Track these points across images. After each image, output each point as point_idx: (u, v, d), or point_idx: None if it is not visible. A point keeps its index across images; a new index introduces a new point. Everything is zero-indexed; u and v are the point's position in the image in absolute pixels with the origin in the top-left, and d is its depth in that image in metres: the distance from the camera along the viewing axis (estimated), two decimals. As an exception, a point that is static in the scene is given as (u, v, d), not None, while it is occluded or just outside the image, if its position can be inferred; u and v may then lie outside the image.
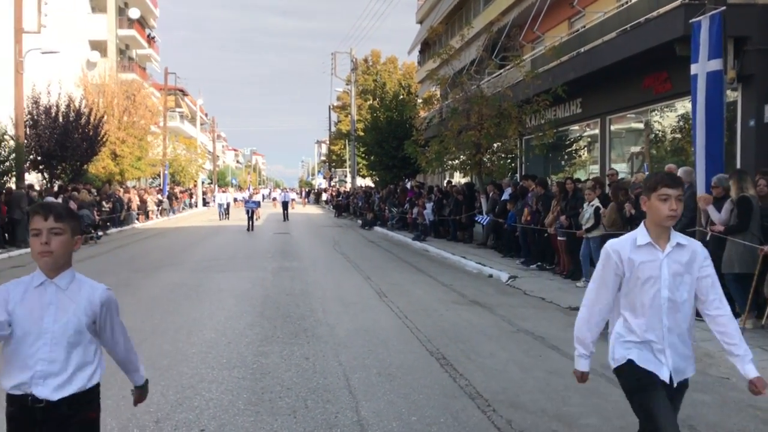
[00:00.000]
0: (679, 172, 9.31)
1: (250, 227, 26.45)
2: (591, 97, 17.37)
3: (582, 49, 16.43)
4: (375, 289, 11.50)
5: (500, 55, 20.35)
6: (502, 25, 22.16)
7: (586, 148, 19.58)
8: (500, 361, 6.81)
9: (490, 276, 13.24)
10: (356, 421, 5.00)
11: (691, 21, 8.79)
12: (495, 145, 18.31)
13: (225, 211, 36.87)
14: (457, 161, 19.52)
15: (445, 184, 24.00)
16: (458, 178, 26.57)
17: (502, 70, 19.91)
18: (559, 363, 6.76)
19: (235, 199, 50.93)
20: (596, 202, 11.12)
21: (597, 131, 17.75)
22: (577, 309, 9.25)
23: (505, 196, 16.22)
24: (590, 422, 5.10)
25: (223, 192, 42.29)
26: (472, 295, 10.97)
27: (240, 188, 72.06)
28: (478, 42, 21.74)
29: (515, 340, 7.78)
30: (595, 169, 18.44)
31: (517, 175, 21.63)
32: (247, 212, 27.41)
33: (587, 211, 11.18)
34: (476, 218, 18.02)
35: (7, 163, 21.47)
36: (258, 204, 29.08)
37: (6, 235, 19.10)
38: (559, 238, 12.53)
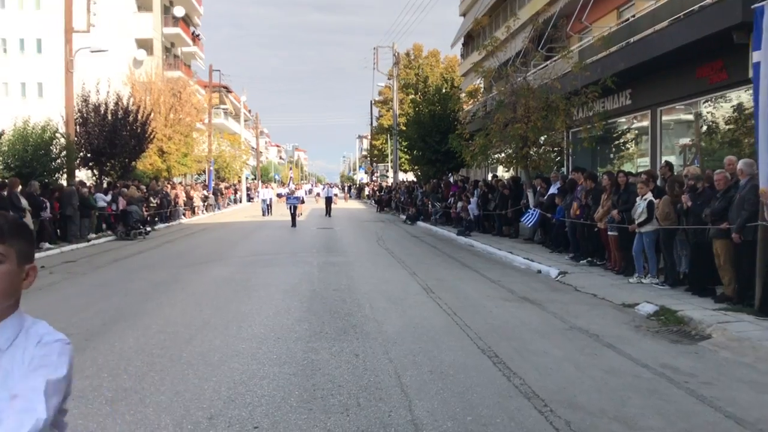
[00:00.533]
0: (740, 164, 8.95)
1: (293, 223, 26.17)
2: (641, 89, 16.93)
3: (632, 39, 16.02)
4: (421, 284, 11.39)
5: (546, 47, 19.97)
6: (548, 15, 21.76)
7: (634, 141, 19.11)
8: (554, 359, 6.63)
9: (539, 272, 13.00)
10: (410, 420, 4.91)
11: (753, 6, 8.40)
12: (541, 138, 17.98)
13: (268, 207, 36.72)
14: (502, 155, 19.24)
15: (489, 178, 23.72)
16: (501, 173, 26.23)
17: (548, 62, 19.54)
18: (616, 362, 6.56)
19: (279, 195, 51.18)
20: (649, 196, 10.79)
21: (647, 123, 17.29)
22: (630, 306, 9.10)
23: (553, 190, 15.91)
24: (652, 424, 4.91)
25: (266, 188, 42.04)
26: (522, 291, 10.76)
27: (283, 184, 72.62)
28: (524, 33, 21.39)
29: (568, 337, 7.58)
30: (643, 162, 17.98)
31: (564, 168, 21.26)
32: (290, 208, 27.06)
33: (640, 205, 10.86)
34: (522, 220, 17.66)
35: (59, 161, 21.94)
36: (300, 200, 28.70)
37: (58, 231, 19.55)
38: (609, 233, 12.21)
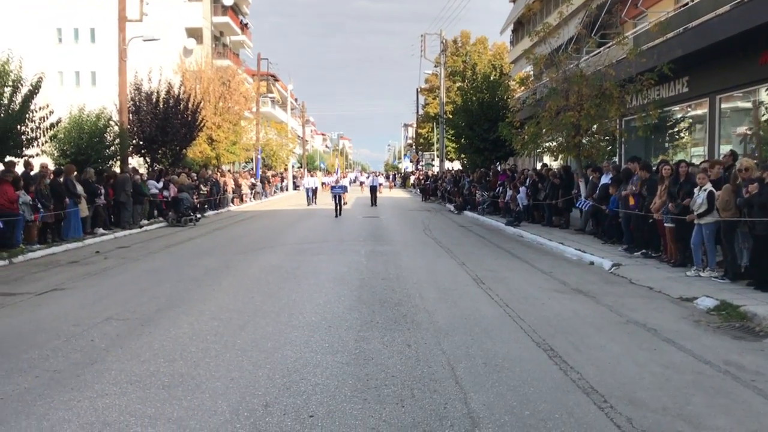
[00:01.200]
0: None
1: (338, 212, 25.42)
2: (699, 76, 16.40)
3: (691, 24, 15.49)
4: (471, 275, 11.25)
5: (600, 33, 19.48)
6: (602, 1, 21.19)
7: (688, 130, 18.54)
8: (612, 354, 6.46)
9: (592, 263, 12.72)
10: (466, 414, 4.83)
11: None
12: (594, 126, 17.56)
13: (313, 196, 35.96)
14: (553, 143, 18.86)
15: (539, 167, 23.34)
16: (549, 161, 25.77)
17: (602, 48, 19.04)
18: (676, 357, 6.35)
19: (323, 183, 51.36)
20: (709, 186, 10.42)
21: (704, 111, 16.75)
22: (689, 299, 8.80)
23: (606, 180, 15.53)
24: (719, 424, 4.73)
25: (311, 176, 41.40)
26: (575, 283, 10.54)
27: (328, 172, 72.89)
28: (577, 19, 20.93)
29: (626, 331, 7.38)
30: (697, 151, 17.44)
31: (616, 157, 20.78)
32: (334, 197, 25.97)
33: (699, 196, 10.49)
34: (577, 204, 17.33)
35: (112, 148, 22.39)
36: (345, 189, 27.68)
37: (112, 217, 19.99)
38: (666, 224, 11.85)
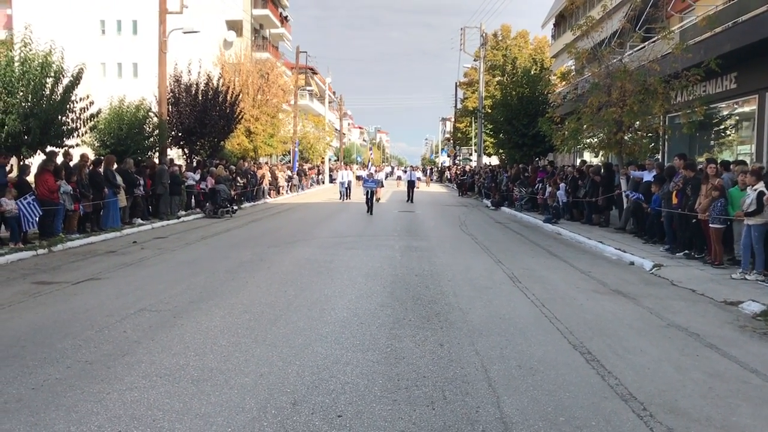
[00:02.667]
0: None
1: (370, 210, 23.59)
2: (749, 71, 15.84)
3: (741, 19, 14.96)
4: (507, 273, 11.04)
5: (645, 27, 18.97)
6: (648, -6, 20.65)
7: (735, 127, 17.95)
8: (652, 359, 6.22)
9: (632, 263, 12.39)
10: (499, 418, 4.67)
11: None
12: (636, 122, 17.11)
13: (347, 190, 33.84)
14: (594, 139, 18.44)
15: (578, 164, 22.89)
16: (589, 158, 25.25)
17: (647, 43, 18.54)
18: (720, 365, 6.09)
19: (358, 177, 51.21)
20: (761, 186, 10.03)
21: (752, 108, 16.18)
22: (733, 303, 8.47)
23: (648, 177, 15.12)
24: (766, 438, 4.49)
25: (346, 169, 38.07)
26: (614, 283, 10.26)
27: (364, 165, 72.97)
28: (621, 13, 20.43)
29: (666, 335, 7.12)
30: (744, 149, 16.87)
31: (659, 155, 20.25)
32: (366, 193, 24.14)
33: (749, 196, 10.11)
34: (628, 194, 16.66)
35: (151, 139, 22.62)
36: (379, 183, 25.86)
37: (150, 207, 20.22)
38: (711, 225, 11.46)
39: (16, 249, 12.70)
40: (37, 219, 13.54)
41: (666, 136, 19.49)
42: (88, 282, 9.94)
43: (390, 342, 6.59)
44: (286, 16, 60.71)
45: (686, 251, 12.63)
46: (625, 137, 17.03)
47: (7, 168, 14.18)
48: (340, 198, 33.41)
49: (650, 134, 18.20)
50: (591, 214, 18.88)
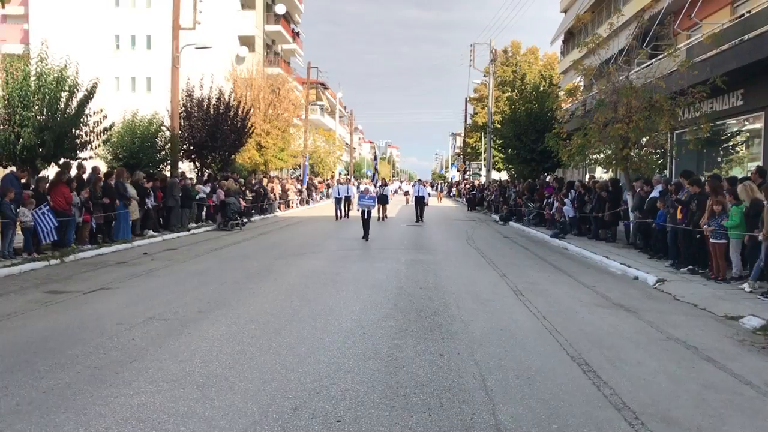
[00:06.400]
0: None
1: (365, 235, 19.06)
2: (755, 88, 15.94)
3: (746, 36, 15.08)
4: (511, 287, 11.16)
5: (652, 44, 19.12)
6: (655, 12, 20.81)
7: (744, 144, 18.01)
8: (649, 370, 6.32)
9: (636, 278, 12.47)
10: (493, 425, 4.80)
11: None
12: (643, 139, 17.22)
13: (345, 206, 29.34)
14: (601, 155, 18.56)
15: (586, 180, 22.98)
16: (599, 174, 25.36)
17: (653, 60, 18.68)
18: (715, 377, 6.18)
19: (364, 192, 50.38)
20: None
21: (760, 125, 16.26)
22: (734, 318, 8.55)
23: (655, 194, 15.21)
24: (756, 447, 4.59)
25: (342, 183, 32.38)
26: (617, 298, 10.35)
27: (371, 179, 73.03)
28: (628, 30, 20.57)
29: (665, 348, 7.21)
30: (753, 166, 16.91)
31: (666, 171, 20.32)
32: (362, 213, 19.43)
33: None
34: (625, 222, 16.74)
35: (163, 152, 22.96)
36: (385, 200, 21.98)
37: (161, 219, 20.49)
38: (713, 240, 11.54)
39: (30, 259, 12.96)
40: (53, 229, 13.79)
41: (673, 153, 19.57)
42: (98, 292, 10.15)
43: (391, 351, 6.73)
44: (298, 32, 61.34)
45: (690, 266, 12.69)
46: (632, 153, 17.13)
47: (24, 180, 14.48)
48: (337, 217, 28.80)
49: (657, 150, 18.30)
50: (598, 230, 18.96)
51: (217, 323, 7.86)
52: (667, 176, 19.29)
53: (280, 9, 52.86)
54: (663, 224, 14.05)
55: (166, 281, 11.27)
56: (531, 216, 25.30)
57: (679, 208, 13.15)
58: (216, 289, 10.33)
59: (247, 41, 49.31)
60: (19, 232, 13.67)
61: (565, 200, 20.79)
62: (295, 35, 59.46)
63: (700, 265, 12.55)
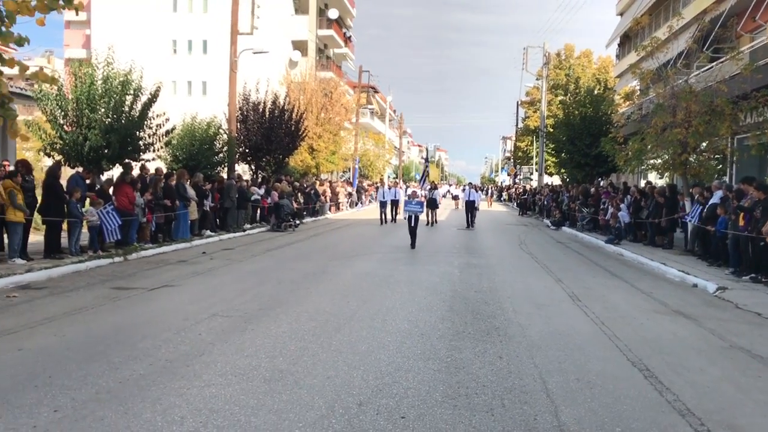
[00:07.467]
0: None
1: (413, 243, 17.71)
2: (822, 92, 15.45)
3: (814, 38, 14.68)
4: (567, 292, 11.10)
5: (713, 47, 18.72)
6: (716, 14, 20.36)
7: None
8: (712, 378, 6.25)
9: (695, 286, 12.24)
10: (556, 426, 4.84)
11: None
12: (702, 144, 16.88)
13: (392, 211, 28.82)
14: (658, 160, 18.24)
15: (643, 185, 22.59)
16: (654, 179, 24.88)
17: (714, 63, 18.30)
18: (784, 388, 6.07)
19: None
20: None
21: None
22: (800, 327, 8.31)
23: (715, 200, 14.88)
24: (827, 458, 4.52)
25: (390, 187, 31.75)
26: (675, 304, 10.20)
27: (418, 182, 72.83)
28: (688, 33, 20.20)
29: (728, 356, 7.10)
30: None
31: (726, 177, 19.84)
32: (408, 219, 17.87)
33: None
34: (685, 218, 16.40)
35: (221, 155, 23.50)
36: (423, 206, 19.49)
37: (217, 220, 20.99)
38: (778, 248, 11.26)
39: (95, 256, 13.46)
40: (117, 228, 14.30)
41: (734, 158, 19.11)
42: (162, 288, 10.51)
43: (450, 353, 6.81)
44: (350, 36, 61.88)
45: (753, 275, 12.40)
46: (690, 158, 16.81)
47: (88, 180, 15.05)
48: (382, 222, 27.91)
49: (717, 156, 17.91)
50: (654, 236, 18.63)
51: (278, 321, 8.07)
52: (727, 182, 18.83)
53: (333, 14, 53.46)
54: (724, 231, 13.75)
55: (226, 279, 11.59)
56: (585, 221, 24.98)
57: (742, 214, 12.84)
58: (274, 288, 10.57)
59: (300, 46, 50.00)
60: (85, 230, 14.24)
61: (621, 205, 20.47)
62: (347, 39, 60.00)
63: (763, 274, 12.24)
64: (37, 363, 6.09)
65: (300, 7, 50.79)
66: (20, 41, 8.32)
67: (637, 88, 23.05)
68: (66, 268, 12.13)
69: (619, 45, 44.93)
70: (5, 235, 12.65)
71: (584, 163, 28.71)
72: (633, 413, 5.17)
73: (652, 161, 18.64)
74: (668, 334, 8.09)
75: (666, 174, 19.46)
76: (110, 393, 5.29)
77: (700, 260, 15.16)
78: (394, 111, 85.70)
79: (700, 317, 9.24)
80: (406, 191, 28.40)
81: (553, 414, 5.08)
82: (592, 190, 26.15)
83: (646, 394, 5.68)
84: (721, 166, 19.53)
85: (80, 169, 15.48)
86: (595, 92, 30.22)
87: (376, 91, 71.59)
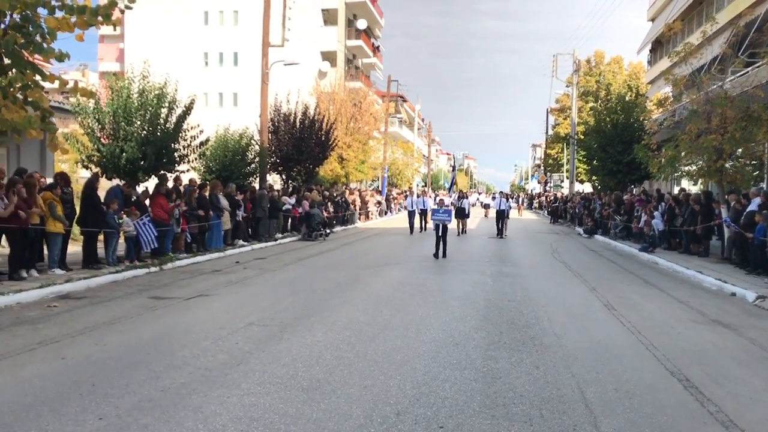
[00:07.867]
0: None
1: (437, 252, 17.31)
2: None
3: None
4: (602, 300, 11.00)
5: (748, 52, 18.42)
6: (751, 18, 20.04)
7: None
8: (754, 389, 6.14)
9: (733, 294, 12.03)
10: (596, 437, 4.81)
11: None
12: (738, 150, 16.60)
13: (421, 221, 28.69)
14: (693, 167, 17.97)
15: (676, 192, 22.28)
16: (687, 186, 24.50)
17: (750, 68, 18.00)
18: (829, 398, 5.94)
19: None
20: None
21: None
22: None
23: (753, 207, 14.62)
24: None
25: (419, 195, 31.45)
26: (713, 314, 10.04)
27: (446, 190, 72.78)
28: (722, 38, 19.92)
29: (770, 367, 6.98)
30: None
31: (763, 184, 19.46)
32: (437, 228, 17.40)
33: None
34: (728, 222, 16.07)
35: (253, 165, 23.75)
36: (451, 215, 18.73)
37: (250, 230, 21.20)
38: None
39: (132, 266, 13.69)
40: (153, 238, 14.53)
41: (771, 164, 18.75)
42: (198, 298, 10.66)
43: (486, 362, 6.80)
44: (378, 46, 62.16)
45: (793, 283, 12.15)
46: (726, 165, 16.54)
47: (125, 193, 15.33)
48: (411, 230, 27.76)
49: (754, 162, 17.59)
50: (689, 244, 18.35)
51: (313, 330, 8.13)
52: (765, 189, 18.47)
53: (362, 24, 53.80)
54: (762, 239, 13.51)
55: (260, 289, 11.71)
56: (618, 229, 24.70)
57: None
58: (308, 297, 10.65)
59: (329, 56, 50.37)
60: (122, 241, 14.50)
61: (655, 213, 20.21)
62: (375, 49, 60.28)
63: (803, 282, 11.99)
64: (80, 371, 6.23)
65: (329, 19, 51.22)
66: (61, 57, 8.55)
67: (670, 94, 22.78)
68: (104, 278, 12.37)
69: (650, 51, 44.48)
70: (45, 246, 12.93)
71: (616, 170, 28.37)
72: (674, 424, 5.11)
73: (686, 168, 18.36)
74: (707, 343, 7.98)
75: (700, 181, 19.15)
76: (152, 401, 5.38)
77: (737, 268, 14.89)
78: (423, 119, 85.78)
79: (739, 327, 9.08)
80: (435, 200, 28.34)
81: (593, 424, 5.04)
82: (625, 197, 25.85)
83: (687, 404, 5.61)
84: (758, 172, 19.18)
85: (120, 182, 15.78)
86: (627, 99, 29.87)
87: (404, 100, 71.72)
